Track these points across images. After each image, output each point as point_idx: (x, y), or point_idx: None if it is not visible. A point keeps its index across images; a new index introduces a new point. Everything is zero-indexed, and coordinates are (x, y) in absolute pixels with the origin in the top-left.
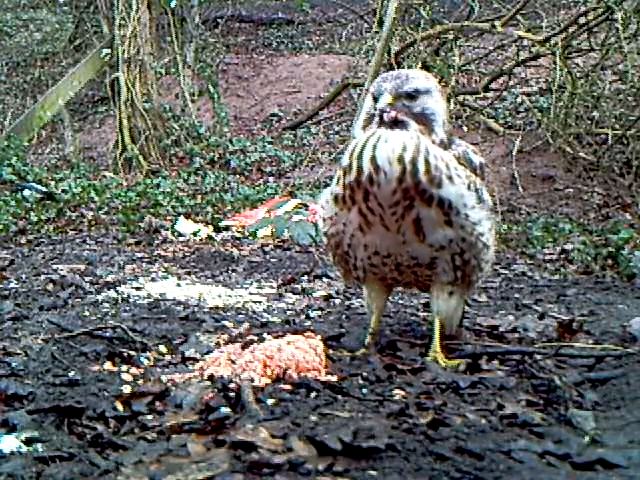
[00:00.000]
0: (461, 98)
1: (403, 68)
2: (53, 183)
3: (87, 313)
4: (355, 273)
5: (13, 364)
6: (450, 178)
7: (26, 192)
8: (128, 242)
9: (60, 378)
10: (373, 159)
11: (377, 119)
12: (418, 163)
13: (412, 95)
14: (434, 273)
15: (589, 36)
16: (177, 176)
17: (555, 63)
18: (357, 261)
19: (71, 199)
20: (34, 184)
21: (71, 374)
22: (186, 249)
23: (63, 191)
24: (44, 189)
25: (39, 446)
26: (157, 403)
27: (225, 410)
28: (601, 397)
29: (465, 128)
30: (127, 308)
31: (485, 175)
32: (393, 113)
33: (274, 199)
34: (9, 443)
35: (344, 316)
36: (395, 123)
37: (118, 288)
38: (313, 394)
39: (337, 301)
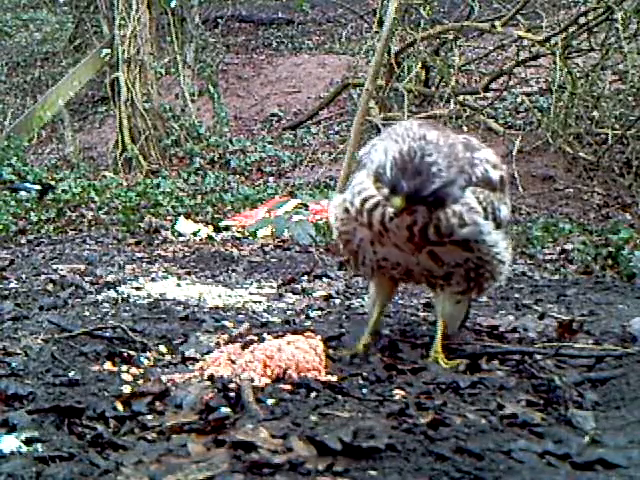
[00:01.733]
0: (461, 98)
1: (403, 68)
2: (53, 183)
3: (87, 313)
4: (363, 269)
5: (13, 364)
6: (462, 225)
7: (22, 193)
8: (128, 242)
9: (60, 378)
10: (382, 222)
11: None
12: (428, 230)
13: (429, 196)
14: (447, 283)
15: (589, 36)
16: (177, 176)
17: (555, 63)
18: (366, 260)
19: (71, 199)
20: (27, 184)
21: (71, 374)
22: (186, 249)
23: (63, 191)
24: (37, 187)
25: (39, 446)
26: (157, 403)
27: (225, 410)
28: (601, 397)
29: (465, 128)
30: (127, 308)
31: (506, 186)
32: (401, 214)
33: (274, 199)
34: (9, 443)
35: (344, 316)
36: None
37: (118, 288)
38: (313, 394)
39: (337, 301)
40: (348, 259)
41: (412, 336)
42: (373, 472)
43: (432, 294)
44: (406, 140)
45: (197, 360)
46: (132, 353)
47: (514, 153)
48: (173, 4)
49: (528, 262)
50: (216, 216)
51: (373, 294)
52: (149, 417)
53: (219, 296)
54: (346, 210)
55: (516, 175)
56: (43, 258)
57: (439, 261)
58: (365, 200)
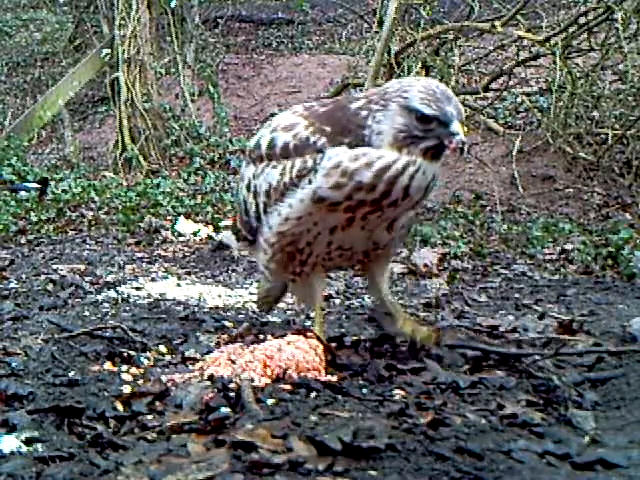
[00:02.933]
0: (461, 98)
1: (403, 68)
2: (53, 183)
3: (87, 313)
4: (299, 269)
5: (13, 364)
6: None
7: (22, 193)
8: (128, 242)
9: (60, 378)
10: (406, 188)
11: (435, 146)
12: (432, 188)
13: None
14: (386, 251)
15: (589, 36)
16: (177, 176)
17: (555, 63)
18: (310, 257)
19: (71, 199)
20: (27, 184)
21: (71, 374)
22: (186, 249)
23: (63, 191)
24: (36, 185)
25: (39, 446)
26: (157, 403)
27: (225, 410)
28: (601, 397)
29: (465, 128)
30: (127, 308)
31: None
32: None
33: None
34: (9, 443)
35: (344, 316)
36: (441, 152)
37: (118, 288)
38: (313, 394)
39: (337, 301)
40: (276, 265)
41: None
42: (373, 472)
43: (369, 277)
44: (414, 84)
45: (197, 360)
46: (132, 353)
47: (514, 153)
48: (173, 4)
49: (528, 262)
50: (216, 216)
51: (311, 293)
52: (149, 417)
53: (219, 296)
54: (319, 199)
55: (516, 175)
56: (43, 258)
57: (392, 228)
58: (381, 171)
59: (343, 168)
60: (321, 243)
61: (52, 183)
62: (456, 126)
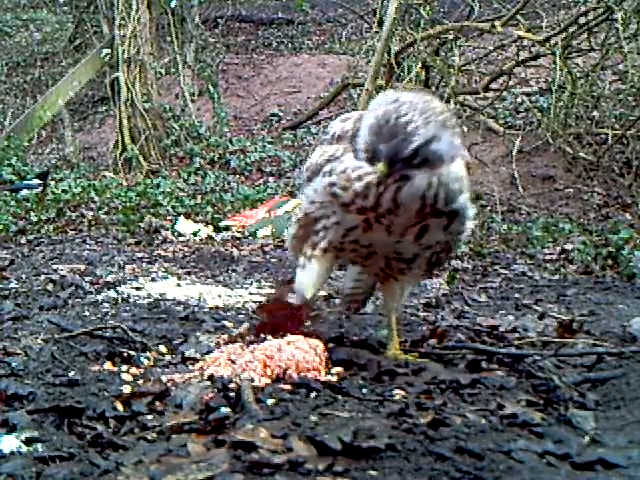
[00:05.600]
0: (461, 98)
1: (403, 68)
2: (53, 183)
3: (87, 313)
4: (309, 251)
5: (13, 364)
6: (462, 191)
7: (24, 192)
8: (128, 242)
9: (60, 378)
10: (394, 200)
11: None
12: (439, 196)
13: (411, 157)
14: (408, 267)
15: (589, 36)
16: (177, 176)
17: (555, 63)
18: (322, 242)
19: (71, 199)
20: (29, 182)
21: (71, 374)
22: (186, 249)
23: (63, 191)
24: (38, 181)
25: (39, 446)
26: (157, 403)
27: (225, 410)
28: (601, 397)
29: (465, 128)
30: (127, 308)
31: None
32: (390, 180)
33: (274, 199)
34: (9, 443)
35: (344, 316)
36: (399, 179)
37: (118, 288)
38: (313, 394)
39: (337, 301)
40: (295, 242)
41: (411, 336)
42: (373, 472)
43: (383, 289)
44: (380, 106)
45: (197, 360)
46: (132, 353)
47: (514, 153)
48: (173, 4)
49: (528, 262)
50: (216, 216)
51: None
52: (149, 417)
53: (219, 296)
54: (333, 194)
55: (516, 175)
56: (43, 258)
57: (423, 238)
58: (368, 185)
59: (347, 174)
60: (336, 233)
61: (52, 183)
62: (378, 166)
